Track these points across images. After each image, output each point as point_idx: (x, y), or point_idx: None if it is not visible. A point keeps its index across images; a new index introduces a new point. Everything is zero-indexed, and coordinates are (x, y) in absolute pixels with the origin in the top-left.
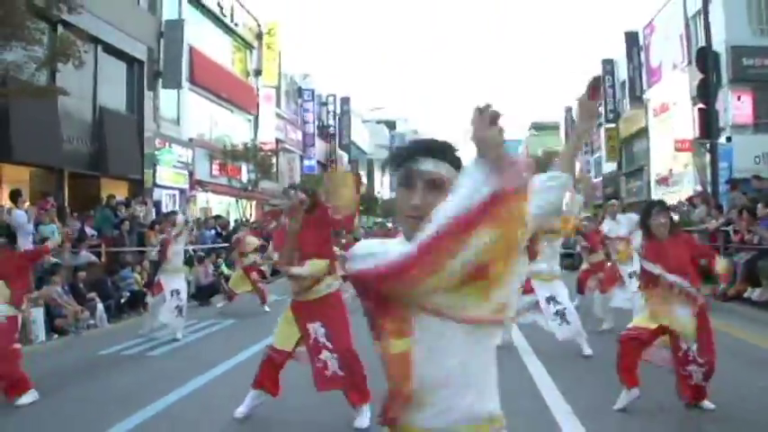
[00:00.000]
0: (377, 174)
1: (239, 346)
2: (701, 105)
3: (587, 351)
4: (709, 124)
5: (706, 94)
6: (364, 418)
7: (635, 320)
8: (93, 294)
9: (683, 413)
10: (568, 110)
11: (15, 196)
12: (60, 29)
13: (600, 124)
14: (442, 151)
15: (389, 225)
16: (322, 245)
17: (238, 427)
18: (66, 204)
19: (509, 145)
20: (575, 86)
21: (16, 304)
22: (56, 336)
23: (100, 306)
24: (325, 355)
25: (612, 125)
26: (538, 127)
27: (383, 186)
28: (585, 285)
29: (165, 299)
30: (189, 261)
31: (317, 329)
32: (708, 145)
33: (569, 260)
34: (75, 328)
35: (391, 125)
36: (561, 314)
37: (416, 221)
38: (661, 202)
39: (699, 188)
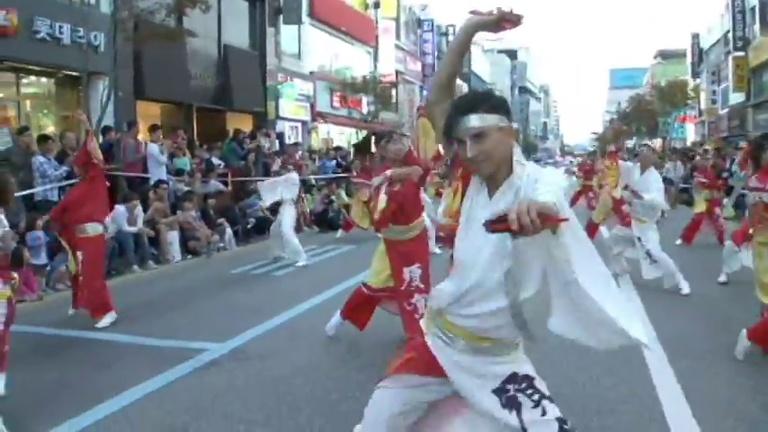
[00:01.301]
0: None
1: (353, 269)
2: None
3: (685, 290)
4: None
5: None
6: None
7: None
8: (222, 220)
9: None
10: (695, 36)
11: (152, 131)
12: None
13: (728, 52)
14: (482, 103)
15: None
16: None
17: (349, 334)
18: (194, 137)
19: (634, 73)
20: (702, 13)
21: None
22: (189, 256)
23: (229, 230)
24: (416, 298)
25: (741, 53)
26: (664, 55)
27: None
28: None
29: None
30: (309, 190)
31: (413, 272)
32: None
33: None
34: (207, 250)
35: (512, 55)
36: (648, 254)
37: (476, 167)
38: None
39: None
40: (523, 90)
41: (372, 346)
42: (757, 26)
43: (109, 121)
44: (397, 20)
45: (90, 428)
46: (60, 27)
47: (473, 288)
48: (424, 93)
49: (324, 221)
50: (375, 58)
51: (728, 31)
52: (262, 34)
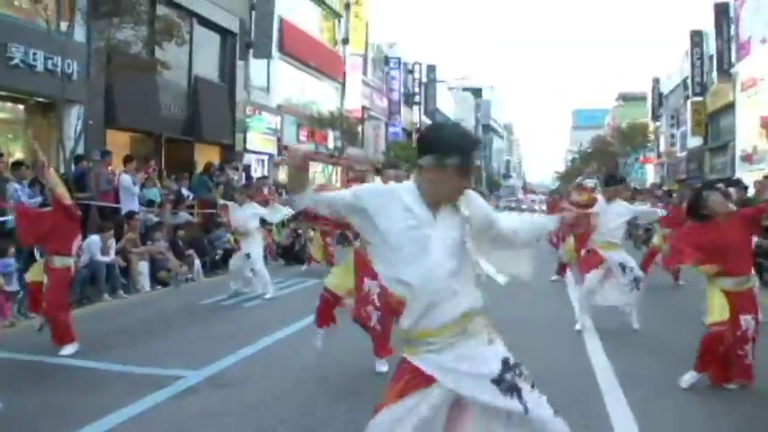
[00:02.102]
0: None
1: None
2: None
3: (635, 325)
4: None
5: None
6: (384, 365)
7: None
8: (190, 251)
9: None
10: (656, 81)
11: (127, 161)
12: (159, 6)
13: (687, 97)
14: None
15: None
16: None
17: (320, 364)
18: (162, 167)
19: (597, 114)
20: (663, 57)
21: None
22: (158, 287)
23: (197, 262)
24: (369, 308)
25: (699, 98)
26: (625, 97)
27: None
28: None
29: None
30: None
31: (372, 286)
32: None
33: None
34: (176, 280)
35: (477, 93)
36: (636, 281)
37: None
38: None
39: None
40: (487, 128)
41: (343, 375)
42: (714, 73)
43: (79, 148)
44: (365, 56)
45: None
46: (34, 54)
47: (432, 300)
48: (391, 129)
49: (290, 254)
50: (342, 94)
51: (687, 77)
52: (231, 67)
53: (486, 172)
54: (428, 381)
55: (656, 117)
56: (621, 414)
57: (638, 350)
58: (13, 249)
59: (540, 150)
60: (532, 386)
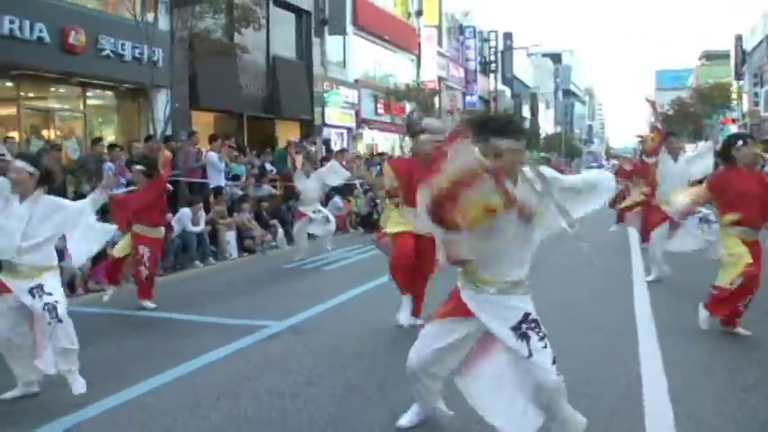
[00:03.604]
0: (541, 107)
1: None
2: None
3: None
4: None
5: None
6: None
7: None
8: (274, 221)
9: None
10: (738, 38)
11: (212, 140)
12: None
13: None
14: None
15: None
16: None
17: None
18: (245, 143)
19: (680, 74)
20: (746, 13)
21: None
22: (245, 254)
23: (280, 231)
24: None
25: None
26: (708, 56)
27: (547, 121)
28: None
29: (311, 219)
30: (351, 192)
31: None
32: None
33: None
34: (261, 248)
35: (556, 58)
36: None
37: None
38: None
39: None
40: (567, 93)
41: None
42: None
43: (168, 130)
44: (439, 27)
45: (177, 381)
46: (123, 45)
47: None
48: (467, 99)
49: (369, 223)
50: (418, 66)
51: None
52: (308, 45)
53: (565, 138)
54: (468, 312)
55: (739, 76)
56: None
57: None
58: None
59: (624, 114)
60: (541, 338)
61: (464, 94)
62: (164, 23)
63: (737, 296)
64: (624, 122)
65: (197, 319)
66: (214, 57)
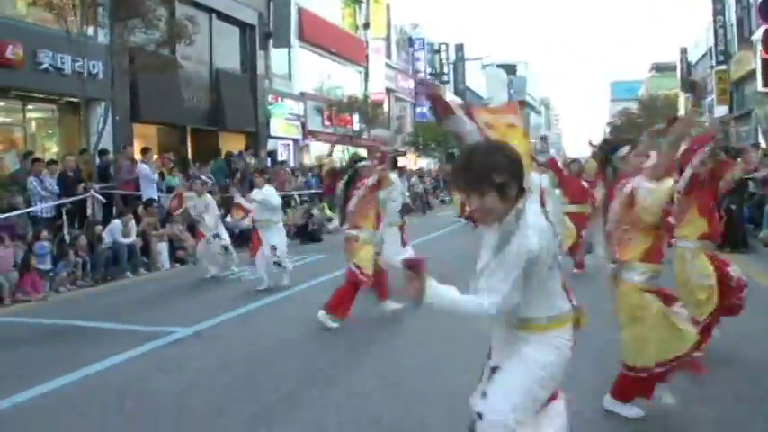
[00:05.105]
0: None
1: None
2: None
3: None
4: None
5: None
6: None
7: None
8: None
9: None
10: (683, 51)
11: (144, 153)
12: (178, 3)
13: (712, 66)
14: None
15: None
16: None
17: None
18: (188, 156)
19: (633, 86)
20: (690, 27)
21: None
22: (177, 264)
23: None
24: None
25: (723, 67)
26: (658, 68)
27: None
28: None
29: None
30: (288, 204)
31: None
32: None
33: None
34: (193, 258)
35: (511, 69)
36: None
37: None
38: None
39: None
40: (522, 105)
41: (284, 339)
42: (736, 41)
43: (108, 142)
44: (387, 39)
45: (76, 383)
46: (62, 58)
47: None
48: (417, 110)
49: (305, 234)
50: (366, 77)
51: (712, 46)
52: (252, 58)
53: None
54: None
55: (685, 87)
56: None
57: None
58: (45, 233)
59: (581, 124)
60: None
61: (414, 106)
62: (103, 37)
63: None
64: (581, 133)
65: (112, 327)
66: (154, 70)
